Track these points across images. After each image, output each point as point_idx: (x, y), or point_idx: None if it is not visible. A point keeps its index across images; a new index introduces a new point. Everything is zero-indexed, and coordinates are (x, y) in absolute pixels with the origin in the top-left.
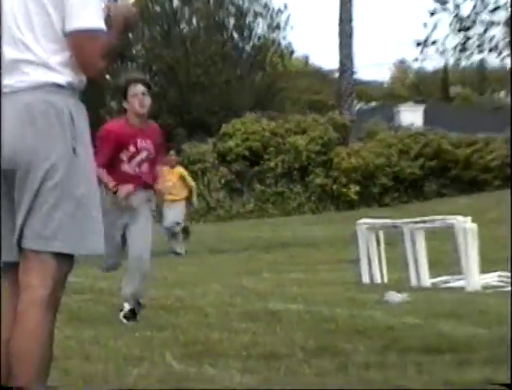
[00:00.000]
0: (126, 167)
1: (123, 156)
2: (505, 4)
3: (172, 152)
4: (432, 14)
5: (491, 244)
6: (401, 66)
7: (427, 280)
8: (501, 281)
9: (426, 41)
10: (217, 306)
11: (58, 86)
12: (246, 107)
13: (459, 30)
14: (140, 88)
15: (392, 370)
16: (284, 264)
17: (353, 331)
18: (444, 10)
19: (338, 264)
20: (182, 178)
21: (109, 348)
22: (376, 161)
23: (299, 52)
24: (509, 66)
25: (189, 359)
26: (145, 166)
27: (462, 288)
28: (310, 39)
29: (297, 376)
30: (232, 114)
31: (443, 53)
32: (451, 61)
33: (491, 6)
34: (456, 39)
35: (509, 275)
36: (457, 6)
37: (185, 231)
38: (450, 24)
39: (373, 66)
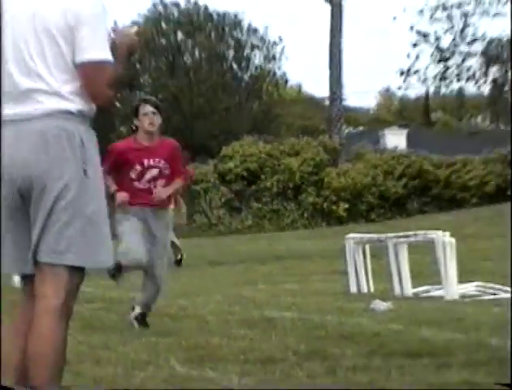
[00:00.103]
0: (137, 184)
1: (132, 174)
2: (483, 35)
3: None
4: (415, 45)
5: (468, 257)
6: (386, 93)
7: (409, 290)
8: (478, 290)
9: (409, 70)
10: (217, 314)
11: (70, 113)
12: (244, 131)
13: (439, 60)
14: (150, 107)
15: (378, 373)
16: (278, 275)
17: (342, 337)
18: (426, 42)
19: (329, 275)
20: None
21: (118, 352)
22: (363, 181)
23: (293, 81)
24: (485, 93)
25: (192, 363)
26: (160, 183)
27: (441, 297)
28: (303, 69)
29: (291, 378)
30: (232, 137)
31: (424, 81)
32: (432, 89)
33: (469, 39)
34: (436, 69)
35: (486, 285)
36: (437, 39)
37: (178, 262)
38: (431, 55)
39: (360, 93)
